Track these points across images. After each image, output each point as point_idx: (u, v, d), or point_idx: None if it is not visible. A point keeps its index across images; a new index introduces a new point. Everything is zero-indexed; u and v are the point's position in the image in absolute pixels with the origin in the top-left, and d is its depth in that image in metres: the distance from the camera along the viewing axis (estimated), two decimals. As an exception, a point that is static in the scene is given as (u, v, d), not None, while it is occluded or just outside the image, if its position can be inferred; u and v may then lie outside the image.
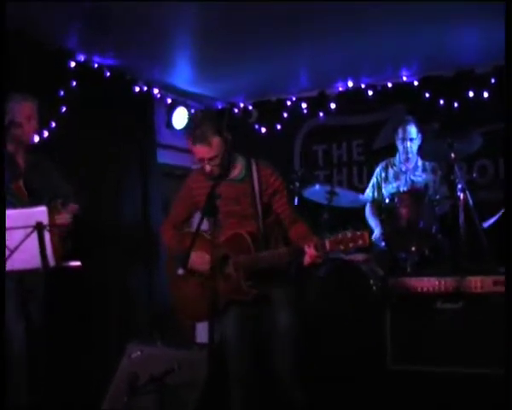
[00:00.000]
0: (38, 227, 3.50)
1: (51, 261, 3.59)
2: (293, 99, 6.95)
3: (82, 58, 5.59)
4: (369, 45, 5.59)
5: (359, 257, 5.10)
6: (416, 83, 6.36)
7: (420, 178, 5.43)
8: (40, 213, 3.54)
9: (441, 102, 6.24)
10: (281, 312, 3.58)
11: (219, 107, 7.31)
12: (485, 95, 6.05)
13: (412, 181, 5.42)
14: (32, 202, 3.90)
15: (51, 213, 3.64)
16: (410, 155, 5.43)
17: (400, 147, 5.46)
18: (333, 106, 6.77)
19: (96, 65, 5.76)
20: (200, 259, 3.55)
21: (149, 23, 4.92)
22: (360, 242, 3.25)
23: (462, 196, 4.76)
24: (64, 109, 5.37)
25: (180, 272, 3.37)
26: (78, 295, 5.13)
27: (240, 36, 5.30)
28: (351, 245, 3.26)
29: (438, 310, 4.43)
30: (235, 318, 3.59)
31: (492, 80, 6.02)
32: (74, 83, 5.49)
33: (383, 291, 4.64)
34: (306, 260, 3.36)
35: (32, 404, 3.91)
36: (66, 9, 4.56)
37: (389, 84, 6.51)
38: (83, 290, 5.18)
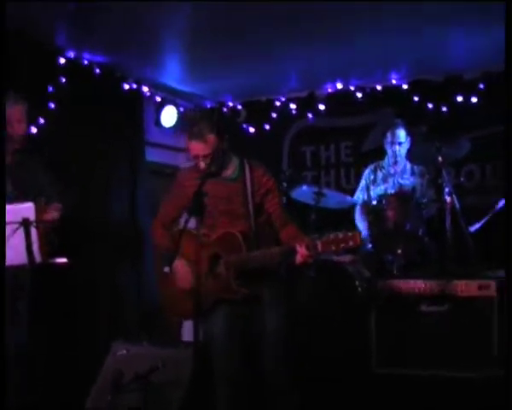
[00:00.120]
0: (25, 223, 3.49)
1: (37, 258, 3.58)
2: (282, 100, 6.96)
3: (72, 55, 5.57)
4: (359, 48, 5.60)
5: (346, 258, 5.11)
6: (405, 86, 6.39)
7: (408, 181, 5.46)
8: (27, 209, 3.54)
9: (430, 106, 6.27)
10: (270, 312, 3.59)
11: (208, 106, 7.30)
12: (474, 100, 6.09)
13: (400, 184, 5.45)
14: (18, 199, 3.89)
15: (37, 211, 3.63)
16: (399, 159, 5.46)
17: (389, 150, 5.49)
18: (322, 107, 6.78)
19: (85, 62, 5.74)
20: (182, 274, 3.56)
21: (140, 22, 4.91)
22: (351, 243, 3.25)
23: (449, 199, 4.79)
24: (53, 106, 5.35)
25: (166, 270, 3.37)
26: (65, 292, 5.11)
27: (230, 36, 5.29)
28: (342, 246, 3.26)
29: (423, 313, 4.46)
30: (224, 317, 3.59)
31: (481, 86, 6.06)
32: (64, 79, 5.46)
33: (369, 293, 4.66)
34: (298, 259, 3.36)
35: (18, 402, 3.90)
36: (57, 6, 4.54)
37: (378, 87, 6.53)
38: (70, 288, 5.16)
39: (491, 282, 4.33)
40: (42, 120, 5.19)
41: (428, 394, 4.19)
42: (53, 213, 4.10)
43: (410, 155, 5.37)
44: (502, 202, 5.22)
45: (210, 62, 5.97)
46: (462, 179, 5.91)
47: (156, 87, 6.64)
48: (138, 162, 6.43)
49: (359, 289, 4.79)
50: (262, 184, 3.67)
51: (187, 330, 6.26)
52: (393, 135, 5.42)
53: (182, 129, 6.77)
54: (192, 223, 3.36)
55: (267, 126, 7.04)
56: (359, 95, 6.60)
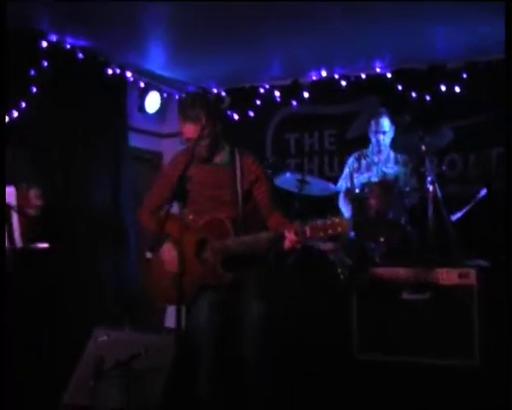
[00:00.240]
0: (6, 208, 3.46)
1: (18, 242, 3.56)
2: (267, 87, 6.94)
3: (54, 38, 5.51)
4: (344, 36, 5.60)
5: (327, 246, 5.12)
6: (389, 75, 6.40)
7: (391, 170, 5.48)
8: (8, 194, 3.50)
9: (413, 94, 6.29)
10: (254, 299, 3.59)
11: (192, 92, 7.27)
12: (457, 89, 6.11)
13: (384, 173, 5.46)
14: None
15: (18, 196, 3.60)
16: (383, 148, 5.47)
17: (373, 139, 5.50)
18: (306, 95, 6.78)
19: (68, 46, 5.69)
20: (169, 258, 3.55)
21: (124, 7, 4.86)
22: (340, 229, 3.27)
23: (431, 188, 4.81)
24: (35, 90, 5.29)
25: (148, 255, 3.36)
26: (47, 277, 5.08)
27: (214, 22, 5.27)
28: (330, 232, 3.28)
29: (405, 300, 4.48)
30: (209, 304, 3.58)
31: (464, 75, 6.08)
32: (46, 63, 5.41)
33: (350, 280, 4.68)
34: (286, 244, 3.38)
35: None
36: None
37: (362, 76, 6.54)
38: (51, 273, 5.13)
39: (470, 270, 4.37)
40: (23, 104, 5.14)
41: (409, 381, 4.21)
42: (34, 200, 4.06)
43: (394, 144, 5.38)
44: (483, 192, 5.26)
45: (194, 49, 5.94)
46: (444, 168, 5.93)
47: (140, 73, 6.60)
48: (121, 148, 6.40)
49: (341, 276, 4.81)
50: (251, 171, 3.70)
51: (169, 316, 6.25)
52: (378, 124, 5.43)
53: (168, 114, 6.76)
54: (177, 208, 3.35)
55: (251, 113, 7.03)
56: (343, 83, 6.61)
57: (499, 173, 5.89)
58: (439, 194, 4.83)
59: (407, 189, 5.14)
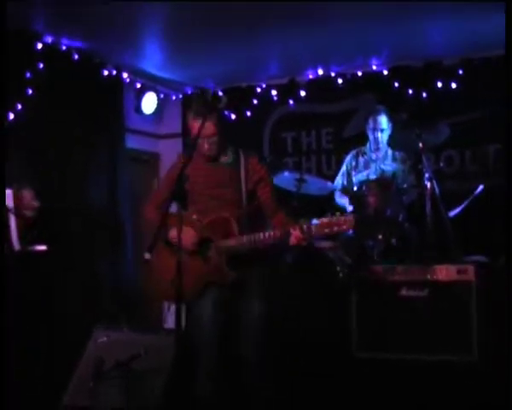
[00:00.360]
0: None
1: (16, 245, 3.55)
2: (263, 86, 6.94)
3: (49, 40, 5.51)
4: (340, 34, 5.61)
5: (326, 244, 5.12)
6: (385, 72, 6.41)
7: (390, 167, 5.47)
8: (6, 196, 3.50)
9: (410, 91, 6.29)
10: (256, 298, 3.61)
11: (189, 92, 7.27)
12: (453, 86, 6.12)
13: (382, 170, 5.46)
14: None
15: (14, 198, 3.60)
16: (381, 145, 5.47)
17: (371, 136, 5.50)
18: (303, 94, 6.78)
19: (64, 47, 5.69)
20: (186, 236, 3.51)
21: (119, 7, 4.86)
22: (345, 226, 3.30)
23: (428, 185, 4.82)
24: (31, 91, 5.29)
25: (146, 256, 3.35)
26: (44, 279, 5.07)
27: (210, 22, 5.26)
28: (335, 229, 3.31)
29: (403, 298, 4.48)
30: (212, 302, 3.58)
31: (460, 72, 6.09)
32: (41, 65, 5.41)
33: (350, 278, 4.68)
34: (292, 241, 3.39)
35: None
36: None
37: (359, 73, 6.54)
38: (49, 275, 5.12)
39: (469, 266, 4.36)
40: (19, 106, 5.14)
41: (409, 378, 4.21)
42: (29, 200, 4.06)
43: (391, 142, 5.39)
44: (480, 188, 5.26)
45: (190, 49, 5.94)
46: (441, 165, 5.94)
47: (136, 73, 6.60)
48: (118, 149, 6.40)
49: (340, 274, 4.81)
50: (256, 171, 3.72)
51: (169, 316, 6.25)
52: (375, 121, 5.43)
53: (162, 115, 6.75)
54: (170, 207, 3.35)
55: (248, 113, 7.03)
56: (340, 81, 6.61)
57: (497, 170, 5.89)
58: (437, 190, 4.84)
59: (405, 186, 5.14)
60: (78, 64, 5.81)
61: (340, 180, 5.66)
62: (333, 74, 6.64)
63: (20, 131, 5.07)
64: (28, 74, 5.29)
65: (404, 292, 4.47)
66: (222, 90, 7.08)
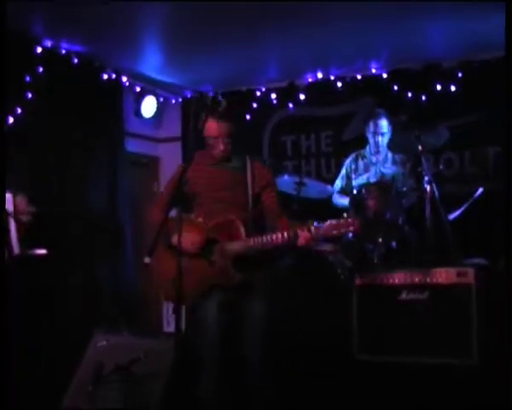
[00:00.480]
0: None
1: (15, 249, 3.55)
2: (263, 89, 6.94)
3: (49, 44, 5.52)
4: (339, 37, 5.61)
5: (327, 247, 5.12)
6: (384, 75, 6.41)
7: (389, 170, 5.47)
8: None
9: (409, 94, 6.29)
10: (260, 300, 3.63)
11: (188, 96, 7.28)
12: (452, 88, 6.12)
13: (382, 173, 5.46)
14: None
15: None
16: (381, 149, 5.47)
17: (371, 140, 5.49)
18: (302, 97, 6.78)
19: (63, 51, 5.69)
20: (188, 240, 3.51)
21: (119, 11, 4.87)
22: (352, 228, 3.37)
23: (428, 188, 4.81)
24: (30, 95, 5.29)
25: (146, 260, 3.34)
26: (44, 283, 5.08)
27: (209, 25, 5.27)
28: (343, 230, 3.38)
29: (404, 301, 4.48)
30: (217, 304, 3.59)
31: (459, 74, 6.09)
32: (41, 69, 5.41)
33: (350, 282, 4.67)
34: (301, 241, 3.43)
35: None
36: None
37: (358, 77, 6.54)
38: (48, 278, 5.13)
39: (468, 269, 4.36)
40: (19, 110, 5.14)
41: (409, 381, 4.21)
42: (23, 206, 4.05)
43: (391, 145, 5.39)
44: (480, 190, 5.26)
45: (190, 52, 5.94)
46: (441, 167, 5.93)
47: (135, 77, 6.60)
48: (118, 153, 6.40)
49: (341, 277, 4.82)
50: (262, 176, 3.76)
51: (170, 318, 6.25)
52: (376, 125, 5.43)
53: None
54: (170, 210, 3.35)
55: (248, 116, 7.02)
56: (339, 84, 6.61)
57: (496, 172, 5.89)
58: (436, 193, 4.83)
59: (404, 189, 5.13)
60: (78, 68, 5.81)
61: (339, 183, 5.66)
62: (332, 78, 6.64)
63: (20, 135, 5.07)
64: (28, 78, 5.30)
65: (404, 295, 4.47)
66: (221, 94, 7.08)
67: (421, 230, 4.92)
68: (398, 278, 4.52)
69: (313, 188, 5.47)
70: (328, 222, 3.39)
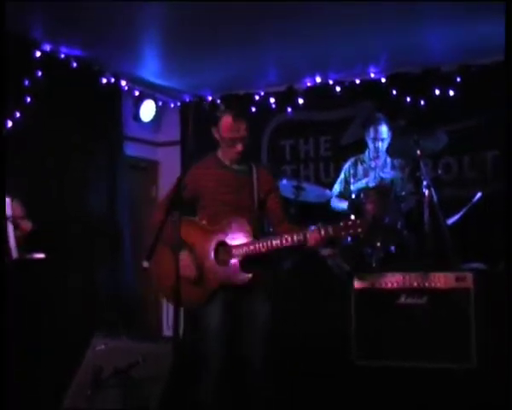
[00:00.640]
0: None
1: (14, 253, 3.55)
2: (262, 94, 6.94)
3: (48, 48, 5.52)
4: (338, 42, 5.61)
5: (325, 252, 5.13)
6: (383, 80, 6.41)
7: (388, 175, 5.48)
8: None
9: (408, 99, 6.30)
10: (262, 301, 3.65)
11: (187, 100, 7.28)
12: (451, 93, 6.12)
13: (381, 178, 5.47)
14: None
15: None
16: (380, 154, 5.48)
17: (371, 145, 5.50)
18: (301, 101, 6.78)
19: (62, 55, 5.69)
20: (186, 264, 3.54)
21: (117, 15, 4.87)
22: (360, 229, 3.42)
23: (427, 192, 4.82)
24: (29, 99, 5.30)
25: (145, 265, 3.35)
26: (43, 287, 5.08)
27: (208, 30, 5.27)
28: (351, 232, 3.45)
29: (402, 305, 4.48)
30: (224, 303, 3.59)
31: (458, 79, 6.10)
32: (40, 73, 5.41)
33: (348, 286, 4.67)
34: (311, 242, 3.47)
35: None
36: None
37: (357, 81, 6.55)
38: (47, 282, 5.12)
39: (467, 274, 4.36)
40: (18, 114, 5.14)
41: (408, 385, 4.21)
42: (18, 211, 4.04)
43: (390, 150, 5.40)
44: (478, 195, 5.27)
45: (188, 56, 5.95)
46: (439, 172, 5.94)
47: (134, 81, 6.61)
48: (117, 157, 6.40)
49: (339, 282, 4.81)
50: (267, 181, 3.80)
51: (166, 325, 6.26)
52: (376, 131, 5.43)
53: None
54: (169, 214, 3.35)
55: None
56: (338, 89, 6.61)
57: (495, 176, 5.90)
58: (435, 198, 4.84)
59: (403, 193, 5.14)
60: (77, 72, 5.82)
61: (337, 188, 5.67)
62: (331, 82, 6.64)
63: (19, 139, 5.07)
64: (27, 82, 5.30)
65: (402, 300, 4.47)
66: (220, 98, 7.08)
67: (419, 234, 4.92)
68: (396, 282, 4.52)
69: (312, 192, 5.47)
70: (336, 224, 3.44)
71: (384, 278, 4.56)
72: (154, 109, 6.94)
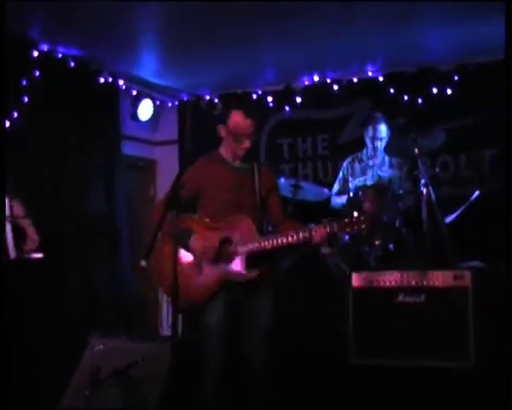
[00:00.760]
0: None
1: (12, 253, 3.55)
2: (259, 92, 6.95)
3: (45, 48, 5.51)
4: (336, 41, 5.61)
5: (324, 250, 5.13)
6: (380, 78, 6.42)
7: (386, 173, 5.49)
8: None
9: (405, 97, 6.30)
10: (265, 299, 3.65)
11: (185, 99, 7.28)
12: (448, 92, 6.13)
13: (379, 176, 5.48)
14: None
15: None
16: (378, 152, 5.49)
17: (369, 144, 5.51)
18: (298, 100, 6.79)
19: (59, 55, 5.69)
20: (201, 245, 3.56)
21: (115, 15, 4.87)
22: (364, 226, 3.44)
23: (424, 190, 4.82)
24: (27, 99, 5.29)
25: (142, 264, 3.34)
26: (41, 287, 5.07)
27: (206, 29, 5.27)
28: (355, 228, 3.46)
29: (400, 304, 4.48)
30: (227, 301, 3.59)
31: (455, 77, 6.11)
32: (37, 73, 5.41)
33: (347, 284, 4.68)
34: (316, 239, 3.46)
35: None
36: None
37: (354, 80, 6.55)
38: (45, 282, 5.12)
39: (465, 272, 4.36)
40: (15, 114, 5.14)
41: (406, 384, 4.21)
42: (20, 213, 4.04)
43: (388, 148, 5.40)
44: (476, 193, 5.27)
45: (186, 55, 5.94)
46: (437, 170, 5.95)
47: (132, 80, 6.60)
48: (114, 156, 6.40)
49: (337, 281, 4.82)
50: (268, 179, 3.80)
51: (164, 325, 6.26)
52: (375, 130, 5.44)
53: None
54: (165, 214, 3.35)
55: (244, 119, 7.01)
56: (336, 87, 6.62)
57: (492, 175, 5.91)
58: (433, 196, 4.84)
59: (401, 192, 5.14)
60: (74, 72, 5.81)
61: (336, 186, 5.67)
62: (328, 81, 6.65)
63: (16, 139, 5.06)
64: (24, 82, 5.29)
65: (400, 298, 4.47)
66: (217, 97, 7.08)
67: (417, 232, 4.93)
68: (394, 280, 4.51)
69: (310, 191, 5.48)
70: (341, 221, 3.45)
71: (382, 277, 4.56)
72: (152, 108, 6.95)
